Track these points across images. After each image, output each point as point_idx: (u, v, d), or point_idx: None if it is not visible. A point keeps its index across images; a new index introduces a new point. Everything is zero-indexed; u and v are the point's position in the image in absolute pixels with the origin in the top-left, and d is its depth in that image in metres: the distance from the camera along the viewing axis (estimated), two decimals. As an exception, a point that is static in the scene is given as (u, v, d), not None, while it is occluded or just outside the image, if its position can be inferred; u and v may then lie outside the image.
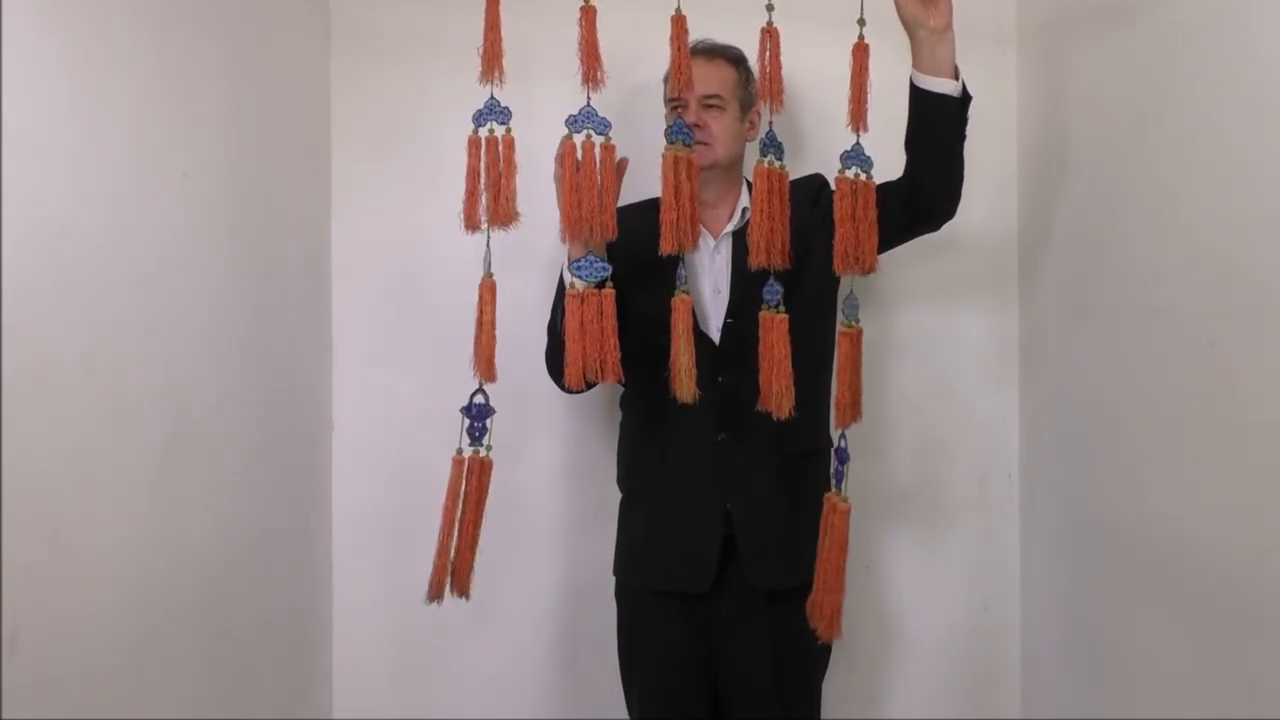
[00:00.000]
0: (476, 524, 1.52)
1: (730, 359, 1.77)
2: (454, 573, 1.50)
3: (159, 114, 1.55)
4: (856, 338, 1.58)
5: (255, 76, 1.89)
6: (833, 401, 1.62)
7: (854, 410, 1.58)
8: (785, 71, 1.49)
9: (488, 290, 1.48)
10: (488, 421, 1.51)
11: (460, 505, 1.51)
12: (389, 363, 2.23)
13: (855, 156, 1.52)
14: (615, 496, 1.96)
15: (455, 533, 1.51)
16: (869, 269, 1.54)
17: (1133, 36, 1.76)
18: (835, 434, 1.61)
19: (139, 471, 1.48)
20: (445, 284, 2.19)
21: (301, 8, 2.13)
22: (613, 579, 1.96)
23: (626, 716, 1.94)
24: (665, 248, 1.44)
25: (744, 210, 1.83)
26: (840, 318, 1.59)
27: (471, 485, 1.51)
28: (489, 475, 1.52)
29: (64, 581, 1.31)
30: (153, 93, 1.53)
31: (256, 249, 1.88)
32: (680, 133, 1.46)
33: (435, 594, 1.51)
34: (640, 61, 1.88)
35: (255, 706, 1.86)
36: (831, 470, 1.65)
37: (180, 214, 1.60)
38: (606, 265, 1.53)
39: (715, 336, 1.82)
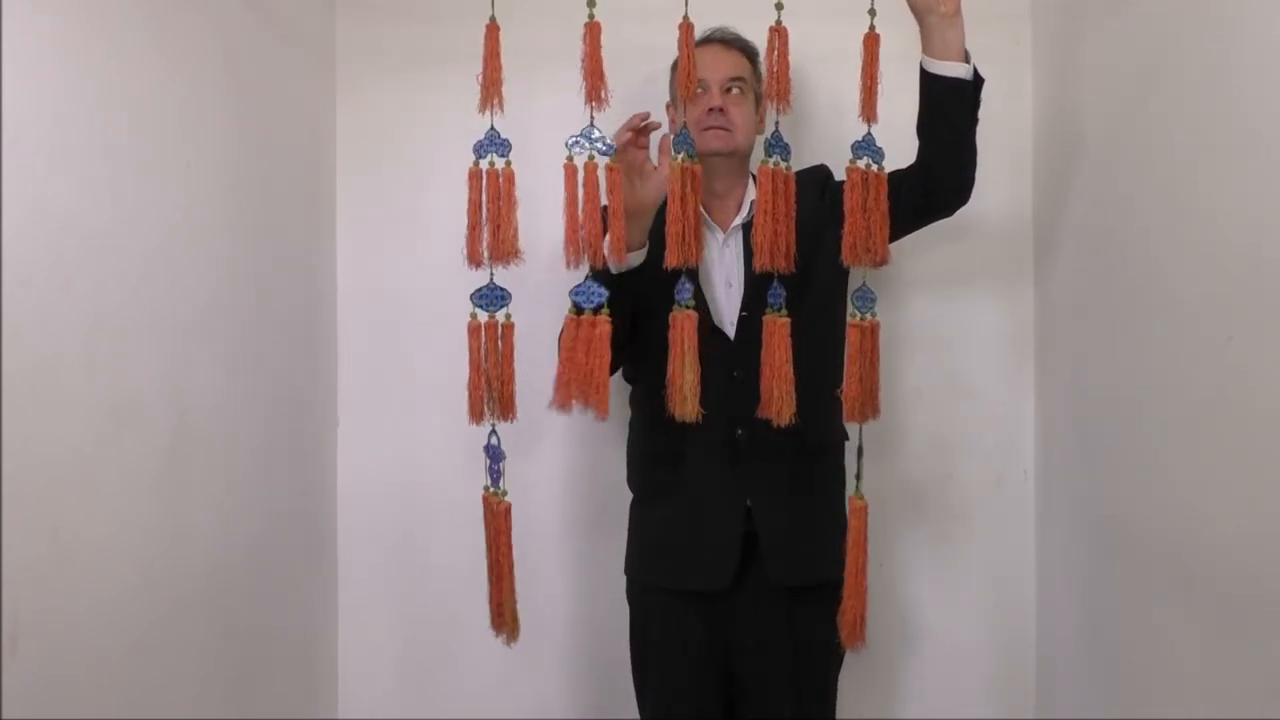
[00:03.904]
0: (508, 567, 1.52)
1: (745, 353, 1.74)
2: (503, 615, 1.54)
3: (161, 110, 1.54)
4: (869, 331, 1.55)
5: (259, 70, 1.88)
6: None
7: (868, 406, 1.56)
8: (794, 59, 1.47)
9: (507, 331, 1.48)
10: (501, 465, 1.50)
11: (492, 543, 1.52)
12: (394, 358, 2.22)
13: (866, 147, 1.50)
14: (625, 496, 1.94)
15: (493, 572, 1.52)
16: (881, 261, 1.51)
17: (1150, 19, 1.73)
18: (852, 430, 1.58)
19: (141, 468, 1.47)
20: (450, 280, 2.16)
21: (306, 3, 2.12)
22: (623, 579, 1.93)
23: (637, 717, 1.92)
24: (671, 261, 1.44)
25: (752, 203, 1.80)
26: (850, 309, 1.56)
27: (491, 528, 1.51)
28: (507, 519, 1.51)
29: (64, 580, 1.30)
30: (154, 89, 1.52)
31: (260, 245, 1.87)
32: (684, 143, 1.44)
33: (498, 630, 1.56)
34: (648, 56, 1.85)
35: (259, 707, 1.85)
36: (856, 468, 1.63)
37: (183, 210, 1.60)
38: (603, 291, 1.48)
39: (730, 331, 1.79)
